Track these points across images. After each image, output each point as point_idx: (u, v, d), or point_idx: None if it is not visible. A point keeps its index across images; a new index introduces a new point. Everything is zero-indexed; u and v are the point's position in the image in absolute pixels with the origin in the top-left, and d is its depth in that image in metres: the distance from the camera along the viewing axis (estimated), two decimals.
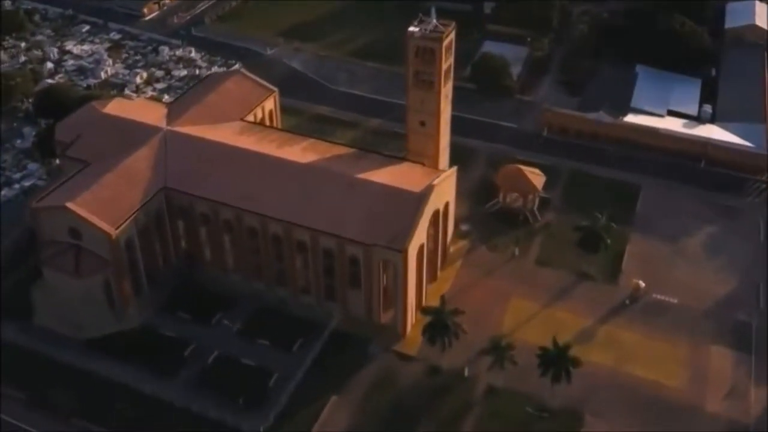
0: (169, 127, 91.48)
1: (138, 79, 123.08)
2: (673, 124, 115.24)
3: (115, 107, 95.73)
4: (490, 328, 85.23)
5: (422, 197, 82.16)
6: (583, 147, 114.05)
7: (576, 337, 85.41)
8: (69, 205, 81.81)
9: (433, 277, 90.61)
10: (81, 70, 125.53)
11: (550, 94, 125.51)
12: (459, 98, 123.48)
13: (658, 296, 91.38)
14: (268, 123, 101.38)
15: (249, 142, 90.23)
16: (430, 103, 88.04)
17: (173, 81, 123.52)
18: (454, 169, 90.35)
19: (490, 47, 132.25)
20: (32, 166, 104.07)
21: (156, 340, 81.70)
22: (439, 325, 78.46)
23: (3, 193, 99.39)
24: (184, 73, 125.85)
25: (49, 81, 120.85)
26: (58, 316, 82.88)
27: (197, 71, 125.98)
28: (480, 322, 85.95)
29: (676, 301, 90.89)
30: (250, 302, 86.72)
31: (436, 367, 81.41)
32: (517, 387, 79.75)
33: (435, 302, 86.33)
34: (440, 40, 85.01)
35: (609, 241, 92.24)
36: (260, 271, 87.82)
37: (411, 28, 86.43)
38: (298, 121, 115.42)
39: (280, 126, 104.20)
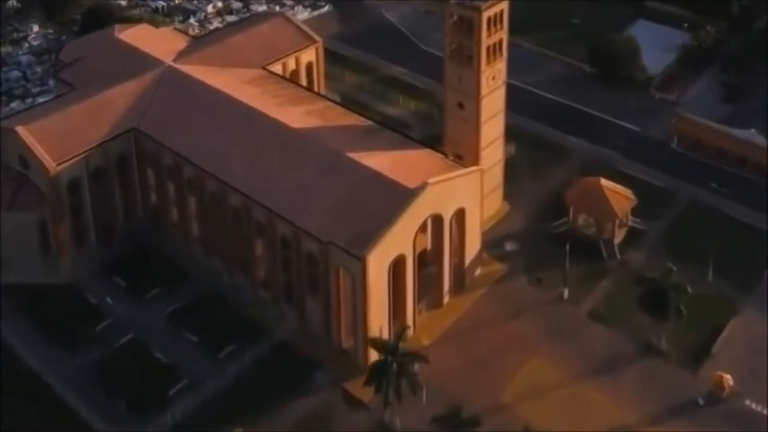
0: (171, 63, 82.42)
1: (210, 8, 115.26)
2: None
3: (134, 34, 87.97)
4: (483, 390, 65.45)
5: (411, 195, 65.34)
6: (720, 172, 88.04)
7: None
8: (19, 129, 74.30)
9: (436, 303, 72.96)
10: None
11: (700, 97, 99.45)
12: (574, 83, 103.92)
13: (752, 404, 65.73)
14: (304, 76, 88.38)
15: (248, 94, 77.63)
16: (469, 83, 74.12)
17: (247, 15, 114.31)
18: (479, 168, 71.75)
19: (640, 28, 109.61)
20: (53, 82, 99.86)
21: (74, 303, 71.34)
22: (385, 368, 61.46)
23: (13, 105, 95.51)
24: (263, 8, 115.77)
25: None
26: None
27: (278, 8, 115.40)
28: (474, 379, 66.56)
29: None
30: (201, 282, 73.68)
31: (386, 426, 63.24)
32: None
33: (430, 335, 69.89)
34: (479, 11, 71.22)
35: (683, 307, 68.83)
36: (220, 249, 75.61)
37: None
38: (362, 81, 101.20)
39: (322, 81, 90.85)
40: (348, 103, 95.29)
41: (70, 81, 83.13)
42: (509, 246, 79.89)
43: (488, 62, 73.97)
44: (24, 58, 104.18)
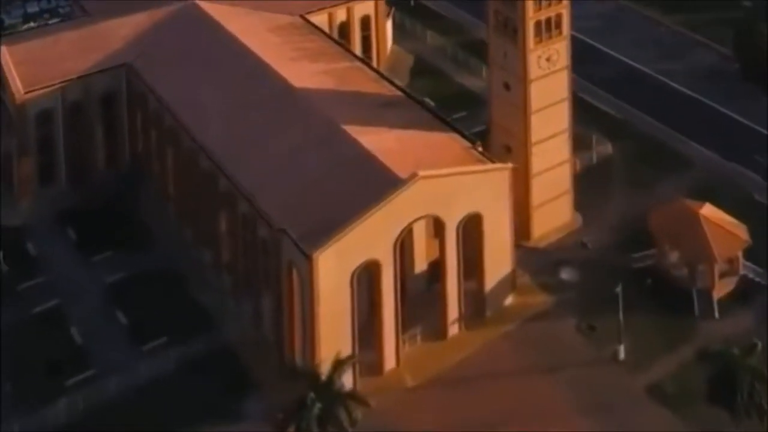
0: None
1: None
2: None
3: None
4: None
5: (396, 187, 50.77)
6: None
7: None
8: (2, 48, 68.07)
9: (438, 333, 57.86)
10: None
11: None
12: (719, 78, 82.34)
13: None
14: (358, 31, 77.00)
15: (264, 44, 67.13)
16: (515, 60, 62.69)
17: None
18: (506, 166, 55.58)
19: None
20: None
21: (8, 254, 62.42)
22: (304, 409, 47.33)
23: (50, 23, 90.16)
24: None
25: None
26: None
27: None
28: None
29: None
30: (164, 253, 63.03)
31: None
32: None
33: (418, 374, 55.01)
34: None
35: (764, 402, 48.95)
36: (191, 217, 64.11)
37: None
38: (442, 44, 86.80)
39: (382, 39, 78.90)
40: (421, 67, 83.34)
41: (87, 8, 77.08)
42: (565, 274, 62.75)
43: (539, 40, 62.54)
44: None
